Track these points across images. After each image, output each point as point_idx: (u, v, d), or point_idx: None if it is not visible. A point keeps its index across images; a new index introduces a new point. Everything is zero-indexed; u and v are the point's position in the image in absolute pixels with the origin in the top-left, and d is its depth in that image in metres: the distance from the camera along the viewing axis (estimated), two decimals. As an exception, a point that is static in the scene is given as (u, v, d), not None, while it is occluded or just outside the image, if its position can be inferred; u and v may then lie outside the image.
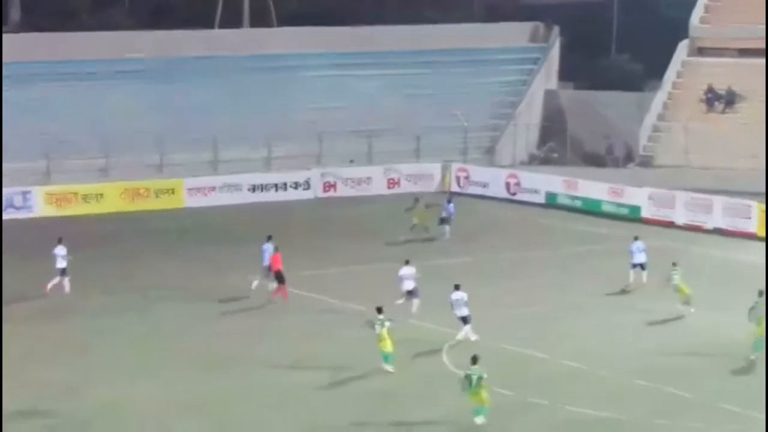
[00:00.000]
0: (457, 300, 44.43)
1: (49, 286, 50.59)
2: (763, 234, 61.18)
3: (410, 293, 47.77)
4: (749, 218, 62.53)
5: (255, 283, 50.62)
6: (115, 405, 38.91)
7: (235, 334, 46.37)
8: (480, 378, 36.57)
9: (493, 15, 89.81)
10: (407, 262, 48.45)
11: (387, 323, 41.34)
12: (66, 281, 50.85)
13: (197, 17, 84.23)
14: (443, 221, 60.79)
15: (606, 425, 37.21)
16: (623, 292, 50.96)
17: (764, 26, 78.16)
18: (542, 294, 50.72)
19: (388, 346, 41.23)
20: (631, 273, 51.44)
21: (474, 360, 36.98)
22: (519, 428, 37.16)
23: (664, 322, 47.71)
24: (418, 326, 46.44)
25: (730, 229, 62.78)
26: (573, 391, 39.85)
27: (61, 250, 51.02)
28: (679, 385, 40.15)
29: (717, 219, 63.72)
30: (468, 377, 36.69)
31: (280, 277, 50.11)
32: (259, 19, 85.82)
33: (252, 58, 77.69)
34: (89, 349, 44.46)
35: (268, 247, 51.06)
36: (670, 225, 64.16)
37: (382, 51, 79.81)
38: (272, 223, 64.46)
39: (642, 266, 51.50)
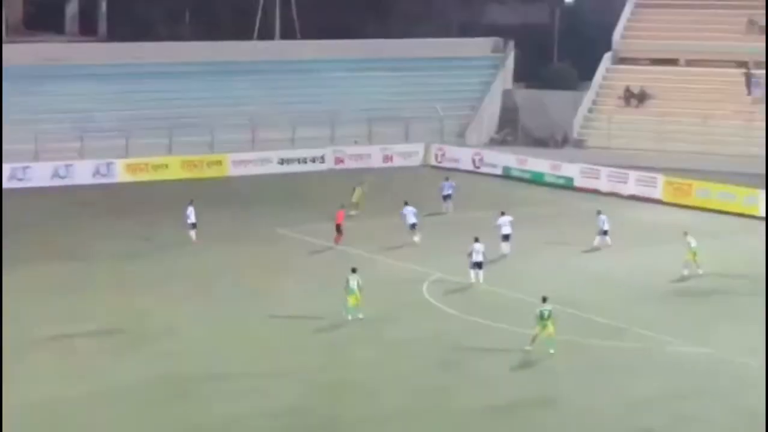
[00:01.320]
0: (476, 249, 43.65)
1: (194, 236, 50.10)
2: (667, 199, 61.23)
3: (506, 237, 47.48)
4: (655, 187, 62.40)
5: (416, 238, 50.01)
6: (173, 326, 38.90)
7: (269, 270, 46.19)
8: (550, 312, 35.71)
9: (464, 32, 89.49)
10: (503, 213, 48.33)
11: (358, 282, 38.81)
12: (194, 233, 50.24)
13: (239, 30, 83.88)
14: (446, 198, 57.61)
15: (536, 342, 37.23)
16: (592, 250, 49.73)
17: (670, 42, 78.02)
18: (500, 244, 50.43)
19: (352, 301, 38.82)
20: (598, 238, 50.09)
21: (544, 299, 36.06)
22: (486, 345, 37.11)
23: (595, 265, 47.66)
24: (404, 267, 46.40)
25: (641, 195, 62.67)
26: (520, 316, 39.81)
27: (190, 209, 50.47)
28: (599, 312, 40.19)
29: (631, 188, 63.56)
30: (541, 312, 35.77)
31: (339, 229, 49.83)
32: (287, 32, 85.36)
33: (282, 62, 77.26)
34: (156, 282, 44.41)
35: (408, 210, 50.46)
36: (596, 192, 63.94)
37: (382, 58, 79.35)
38: (296, 188, 64.46)
39: (606, 232, 50.18)
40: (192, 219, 50.49)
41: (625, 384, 34.14)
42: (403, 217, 50.58)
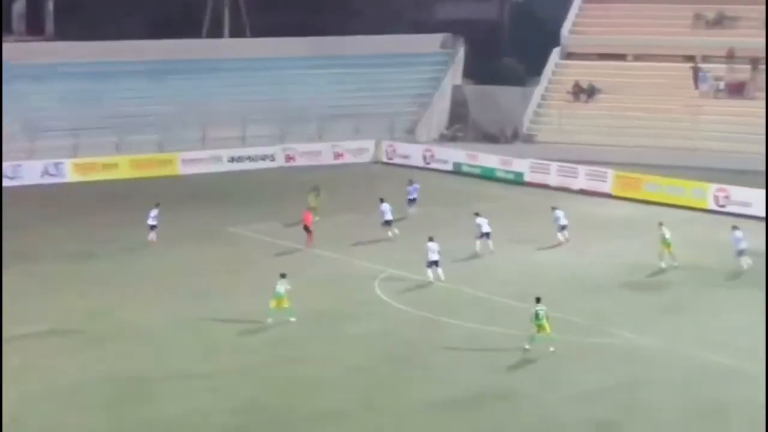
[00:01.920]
0: (431, 248, 43.53)
1: (154, 238, 49.45)
2: (617, 193, 61.53)
3: (485, 235, 47.47)
4: (605, 181, 62.70)
5: (390, 233, 50.01)
6: (129, 326, 38.68)
7: (223, 270, 46.00)
8: (545, 313, 35.73)
9: (415, 28, 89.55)
10: (477, 214, 48.23)
11: (287, 287, 38.54)
12: (154, 234, 49.60)
13: (187, 28, 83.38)
14: (411, 202, 56.44)
15: (492, 337, 37.33)
16: (553, 247, 49.45)
17: (618, 36, 78.53)
18: (455, 240, 49.35)
19: (284, 304, 38.40)
20: (559, 234, 49.95)
21: (538, 300, 36.14)
22: (440, 341, 37.21)
23: (551, 260, 47.73)
24: (358, 265, 46.35)
25: (590, 189, 62.90)
26: (476, 312, 39.96)
27: (154, 212, 49.88)
28: (554, 306, 40.27)
29: (581, 182, 63.80)
30: (536, 313, 35.79)
31: (307, 229, 49.43)
32: (236, 30, 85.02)
33: (233, 61, 77.04)
34: (110, 283, 44.09)
35: (385, 207, 50.40)
36: (546, 187, 64.14)
37: (332, 55, 79.29)
38: (246, 186, 64.24)
39: (564, 227, 50.00)
40: (153, 221, 49.78)
41: (580, 376, 34.31)
42: (381, 214, 50.53)
